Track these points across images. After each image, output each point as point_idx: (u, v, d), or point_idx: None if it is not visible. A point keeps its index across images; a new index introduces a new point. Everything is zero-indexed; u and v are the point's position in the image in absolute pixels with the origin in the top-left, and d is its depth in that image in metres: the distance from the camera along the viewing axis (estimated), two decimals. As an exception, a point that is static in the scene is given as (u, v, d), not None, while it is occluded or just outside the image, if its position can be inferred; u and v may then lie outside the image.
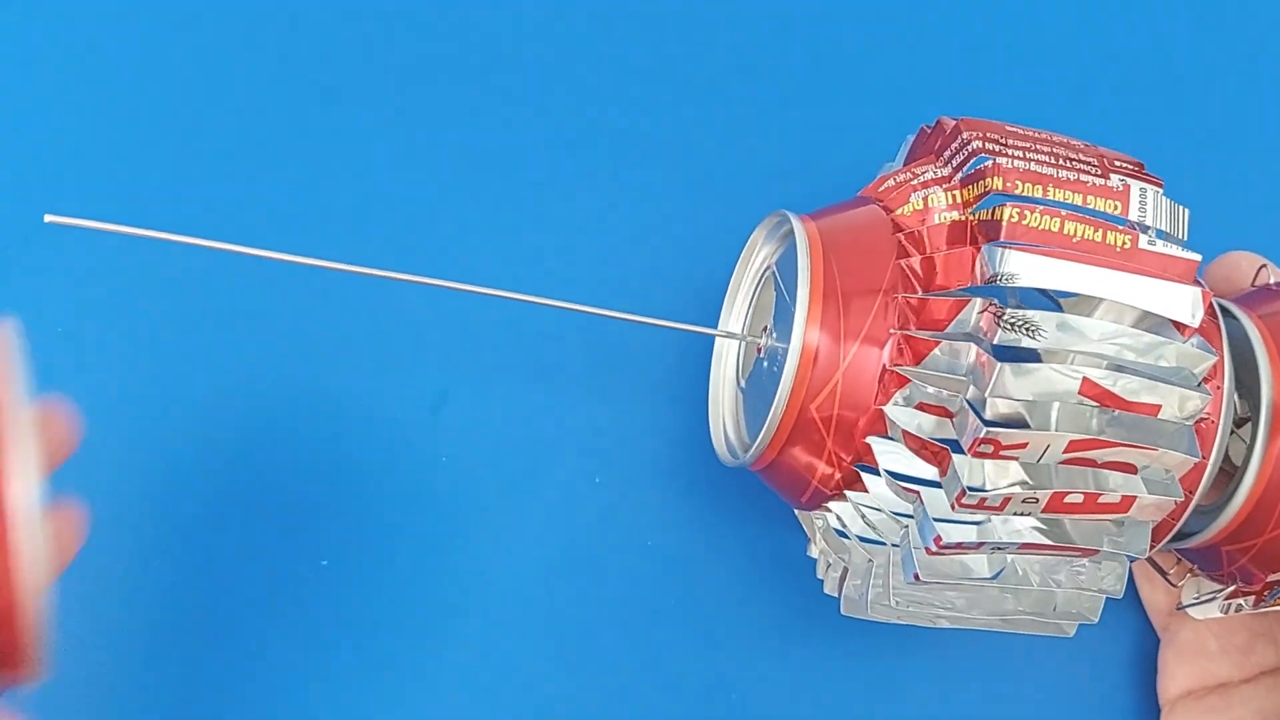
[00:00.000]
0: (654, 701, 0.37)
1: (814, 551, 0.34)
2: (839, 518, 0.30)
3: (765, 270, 0.33)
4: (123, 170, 0.39)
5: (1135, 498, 0.27)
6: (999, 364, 0.26)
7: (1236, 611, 0.33)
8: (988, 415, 0.26)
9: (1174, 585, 0.35)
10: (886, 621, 0.31)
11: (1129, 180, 0.29)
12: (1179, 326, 0.27)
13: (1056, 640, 0.32)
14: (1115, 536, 0.28)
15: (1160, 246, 0.28)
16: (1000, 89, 0.43)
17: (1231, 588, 0.33)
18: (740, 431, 0.33)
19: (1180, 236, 0.29)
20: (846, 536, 0.30)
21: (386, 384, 0.38)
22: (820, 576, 0.34)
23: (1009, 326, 0.26)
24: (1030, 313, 0.26)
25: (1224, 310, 0.32)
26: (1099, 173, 0.29)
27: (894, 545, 0.30)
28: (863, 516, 0.30)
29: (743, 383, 0.34)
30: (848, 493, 0.30)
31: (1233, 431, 0.32)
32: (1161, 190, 0.29)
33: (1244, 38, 0.45)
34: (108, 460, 0.36)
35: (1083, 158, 0.30)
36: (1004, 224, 0.27)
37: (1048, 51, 0.44)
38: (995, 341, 0.26)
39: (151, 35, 0.40)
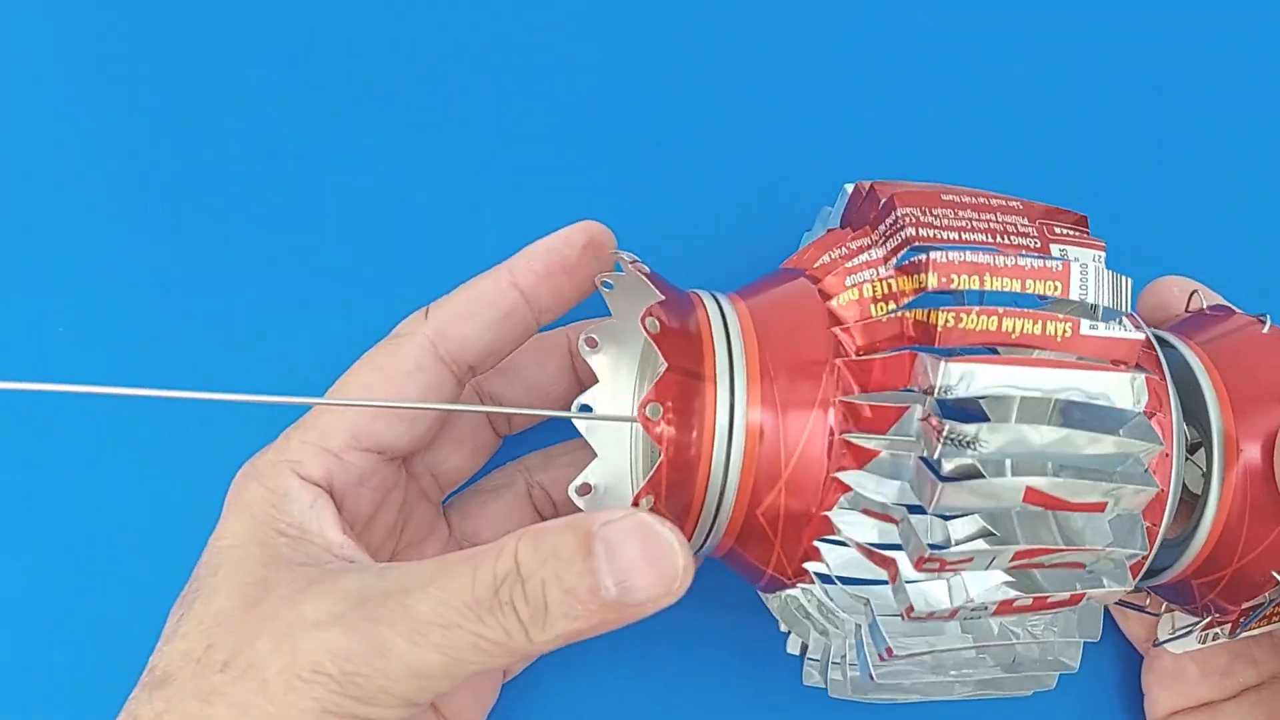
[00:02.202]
0: (653, 701, 0.37)
1: (784, 627, 0.34)
2: (795, 600, 0.30)
3: None
4: (117, 173, 0.39)
5: (1085, 594, 0.27)
6: (940, 483, 0.25)
7: (1214, 641, 0.33)
8: (932, 535, 0.26)
9: (1155, 615, 0.36)
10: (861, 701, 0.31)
11: (1069, 252, 0.28)
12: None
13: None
14: (1069, 616, 0.28)
15: (1102, 330, 0.27)
16: (933, 122, 0.41)
17: (1207, 619, 0.33)
18: None
19: (1124, 309, 0.28)
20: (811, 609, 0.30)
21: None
22: (783, 630, 0.34)
23: (948, 442, 0.25)
24: (970, 427, 0.25)
25: (1162, 341, 0.32)
26: (1038, 246, 0.28)
27: (856, 618, 0.29)
28: (819, 604, 0.30)
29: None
30: (799, 585, 0.30)
31: (1187, 458, 0.32)
32: (1103, 255, 0.28)
33: (1185, 57, 0.43)
34: (110, 459, 0.37)
35: (1021, 228, 0.28)
36: (939, 330, 0.26)
37: (988, 71, 0.42)
38: (935, 457, 0.26)
39: (137, 37, 0.40)
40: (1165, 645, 0.34)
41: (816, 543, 0.28)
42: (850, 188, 0.32)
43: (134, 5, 0.40)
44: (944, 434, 0.25)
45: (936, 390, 0.26)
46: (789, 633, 0.34)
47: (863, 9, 0.42)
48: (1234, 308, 0.34)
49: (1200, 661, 0.35)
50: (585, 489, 0.33)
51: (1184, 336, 0.32)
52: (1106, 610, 0.38)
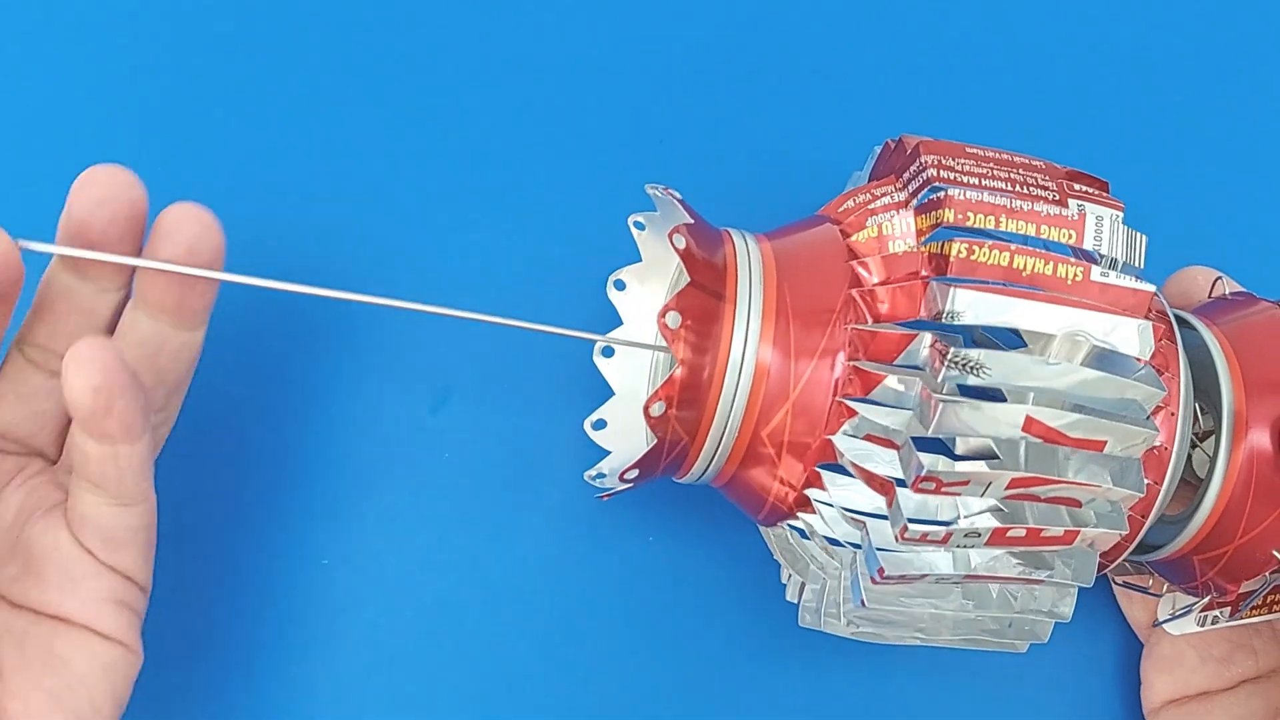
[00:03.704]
0: (655, 699, 0.37)
1: (785, 570, 0.34)
2: (797, 530, 0.31)
3: None
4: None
5: (1079, 531, 0.27)
6: (942, 402, 0.26)
7: (1213, 624, 0.33)
8: (929, 454, 0.26)
9: (1157, 595, 0.36)
10: (843, 636, 0.32)
11: (1086, 206, 0.29)
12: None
13: (1043, 647, 0.32)
14: (1065, 558, 0.29)
15: (1114, 278, 0.27)
16: (971, 97, 0.42)
17: (1206, 599, 0.33)
18: None
19: (1137, 265, 0.28)
20: (809, 537, 0.31)
21: (387, 384, 0.38)
22: (783, 581, 0.35)
23: (954, 365, 0.26)
24: (974, 351, 0.26)
25: (1182, 322, 0.32)
26: (1056, 199, 0.29)
27: (854, 546, 0.30)
28: (814, 535, 0.30)
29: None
30: (800, 514, 0.30)
31: (1196, 446, 0.33)
32: (1121, 215, 0.29)
33: (1213, 49, 0.44)
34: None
35: (1041, 182, 0.29)
36: (952, 260, 0.27)
37: (1021, 61, 0.43)
38: (940, 379, 0.26)
39: (127, 38, 0.41)
40: (1164, 625, 0.34)
41: (818, 467, 0.29)
42: (879, 148, 0.33)
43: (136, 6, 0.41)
44: (948, 357, 0.26)
45: (945, 315, 0.26)
46: (788, 580, 0.34)
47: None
48: (1256, 295, 0.34)
49: (1200, 649, 0.35)
50: (600, 424, 0.34)
51: (1205, 319, 0.33)
52: (1110, 597, 0.38)
